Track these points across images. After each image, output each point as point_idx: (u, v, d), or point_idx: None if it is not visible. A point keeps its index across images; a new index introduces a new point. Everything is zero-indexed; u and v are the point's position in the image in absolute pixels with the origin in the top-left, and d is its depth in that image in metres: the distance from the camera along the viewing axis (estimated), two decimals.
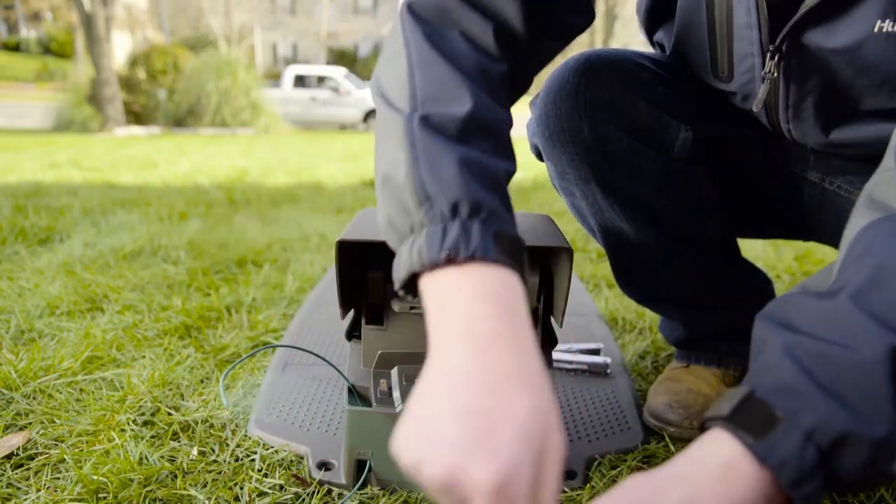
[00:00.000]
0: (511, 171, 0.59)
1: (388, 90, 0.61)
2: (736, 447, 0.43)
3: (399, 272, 0.51)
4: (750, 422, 0.43)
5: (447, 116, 0.55)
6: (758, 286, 1.04)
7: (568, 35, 0.71)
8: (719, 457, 0.44)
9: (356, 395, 0.80)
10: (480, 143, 0.55)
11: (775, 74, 0.75)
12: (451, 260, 0.47)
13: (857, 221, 0.52)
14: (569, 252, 0.74)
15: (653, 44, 0.96)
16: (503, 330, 0.45)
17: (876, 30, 0.65)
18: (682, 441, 0.91)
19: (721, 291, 0.99)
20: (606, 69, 0.81)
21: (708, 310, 1.00)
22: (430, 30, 0.62)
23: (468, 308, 0.46)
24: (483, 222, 0.49)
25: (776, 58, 0.74)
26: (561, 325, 0.81)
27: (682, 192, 0.88)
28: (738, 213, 1.00)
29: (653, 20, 0.92)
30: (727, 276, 0.99)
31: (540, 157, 0.94)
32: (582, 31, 0.72)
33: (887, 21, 0.64)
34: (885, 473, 0.42)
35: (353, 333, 0.86)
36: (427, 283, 0.49)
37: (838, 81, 0.72)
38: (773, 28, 0.72)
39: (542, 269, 0.81)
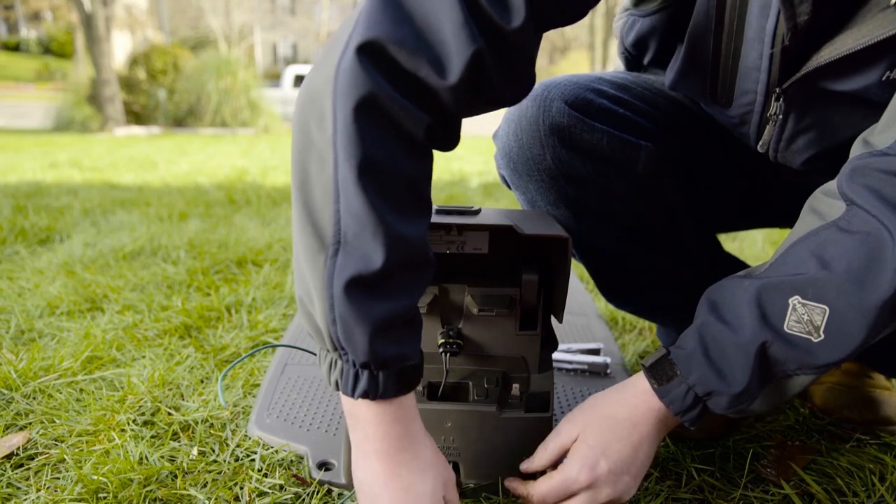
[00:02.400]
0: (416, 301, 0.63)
1: (314, 202, 0.59)
2: (647, 386, 0.69)
3: (324, 376, 0.63)
4: (659, 373, 0.69)
5: (365, 270, 0.56)
6: None
7: (500, 105, 0.69)
8: (638, 389, 0.70)
9: None
10: (393, 292, 0.59)
11: (779, 117, 0.75)
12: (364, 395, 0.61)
13: (799, 226, 0.67)
14: (566, 241, 0.74)
15: (624, 50, 0.96)
16: (405, 443, 0.63)
17: (884, 78, 0.65)
18: (682, 440, 0.92)
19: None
20: (561, 98, 0.82)
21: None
22: (359, 131, 0.56)
23: (377, 430, 0.63)
24: (388, 371, 0.60)
25: (781, 99, 0.74)
26: (561, 321, 0.81)
27: (652, 204, 0.89)
28: (717, 211, 1.00)
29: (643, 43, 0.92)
30: (709, 276, 0.99)
31: (510, 186, 0.95)
32: (513, 103, 0.70)
33: (895, 70, 0.64)
34: (744, 411, 0.66)
35: None
36: (346, 400, 0.64)
37: (835, 118, 0.73)
38: (783, 72, 0.72)
39: (541, 266, 0.81)
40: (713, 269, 1.00)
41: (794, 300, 0.62)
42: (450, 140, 0.64)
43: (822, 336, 0.61)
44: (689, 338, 0.68)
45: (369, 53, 0.56)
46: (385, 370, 0.60)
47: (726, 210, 1.02)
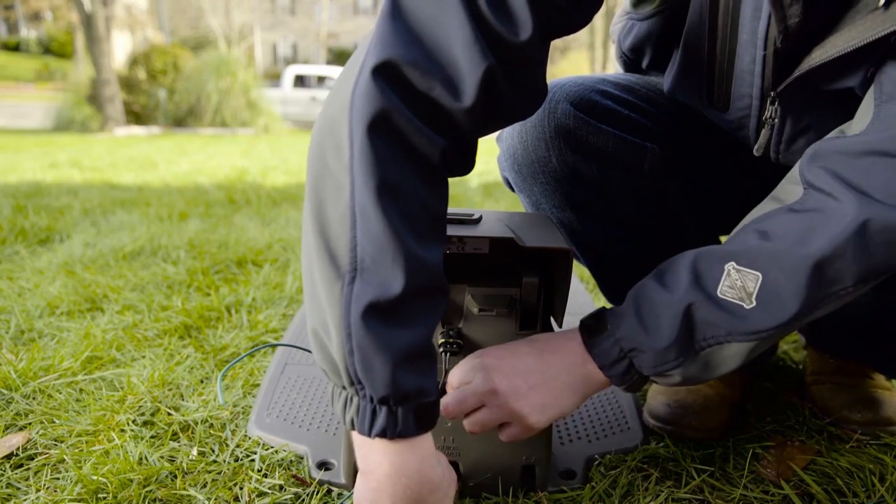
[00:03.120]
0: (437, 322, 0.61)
1: (329, 230, 0.57)
2: (578, 339, 0.70)
3: (337, 415, 0.60)
4: (591, 328, 0.70)
5: (383, 296, 0.55)
6: None
7: (514, 120, 0.70)
8: (571, 341, 0.71)
9: None
10: (411, 320, 0.57)
11: (776, 120, 0.75)
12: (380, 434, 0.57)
13: (755, 212, 0.68)
14: (568, 253, 0.74)
15: (623, 54, 0.96)
16: (425, 494, 0.60)
17: (868, 75, 0.65)
18: (682, 441, 0.91)
19: None
20: (566, 99, 0.82)
21: None
22: (374, 152, 0.55)
23: (392, 478, 0.59)
24: (408, 407, 0.57)
25: (776, 103, 0.74)
26: (561, 326, 0.81)
27: (656, 205, 0.89)
28: (720, 213, 1.00)
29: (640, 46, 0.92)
30: None
31: (513, 189, 0.95)
32: (525, 118, 0.71)
33: (878, 69, 0.64)
34: (667, 373, 0.66)
35: None
36: (359, 440, 0.61)
37: (832, 117, 0.72)
38: (776, 75, 0.72)
39: (542, 269, 0.81)
40: None
41: (730, 266, 0.63)
42: (465, 165, 0.64)
43: (755, 303, 0.61)
44: (626, 298, 0.69)
45: (384, 73, 0.56)
46: (404, 405, 0.57)
47: (729, 212, 1.02)
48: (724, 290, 0.63)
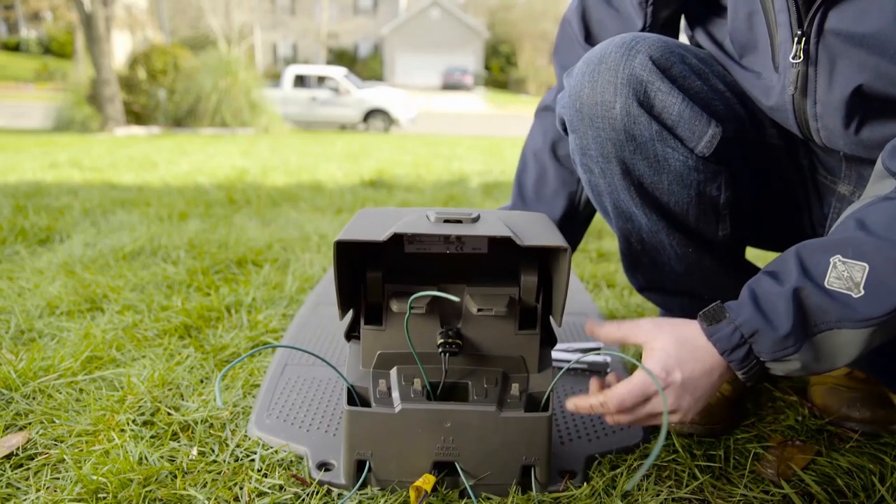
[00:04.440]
0: None
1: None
2: (698, 326, 0.75)
3: None
4: (710, 316, 0.74)
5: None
6: None
7: None
8: (693, 330, 0.75)
9: (356, 395, 0.80)
10: None
11: (800, 58, 0.76)
12: None
13: (849, 208, 0.72)
14: (566, 251, 0.74)
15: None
16: None
17: None
18: (682, 436, 0.91)
19: (724, 290, 0.98)
20: (647, 51, 0.82)
21: (708, 304, 1.00)
22: None
23: None
24: None
25: (803, 42, 0.75)
26: (560, 324, 0.81)
27: (699, 191, 0.88)
28: (754, 222, 0.99)
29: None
30: (731, 277, 0.99)
31: (565, 130, 0.93)
32: None
33: None
34: (786, 358, 0.70)
35: (351, 334, 0.86)
36: None
37: (867, 72, 0.72)
38: (803, 14, 0.74)
39: (541, 268, 0.81)
40: (738, 271, 1.00)
41: (836, 258, 0.67)
42: None
43: (863, 292, 0.65)
44: (742, 292, 0.74)
45: None
46: None
47: (768, 224, 1.01)
48: (832, 281, 0.67)
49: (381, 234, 0.73)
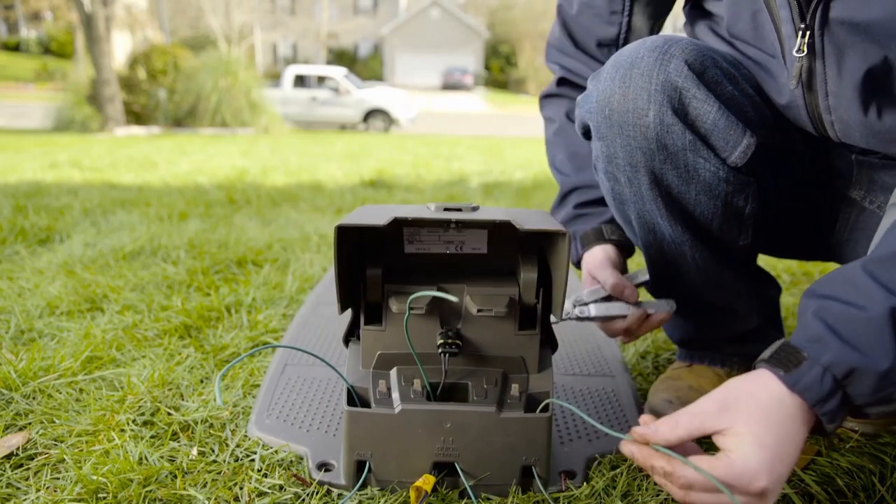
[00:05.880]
0: None
1: None
2: (773, 378, 0.60)
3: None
4: (783, 360, 0.60)
5: None
6: (771, 296, 1.03)
7: None
8: (768, 388, 0.60)
9: (355, 395, 0.80)
10: None
11: (803, 52, 0.73)
12: None
13: (886, 220, 0.66)
14: (566, 236, 0.74)
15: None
16: None
17: None
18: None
19: (740, 298, 0.98)
20: (682, 56, 0.78)
21: (724, 313, 0.99)
22: None
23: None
24: None
25: (807, 35, 0.72)
26: (559, 318, 0.81)
27: (726, 202, 0.85)
28: (771, 229, 0.97)
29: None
30: (746, 284, 0.98)
31: (587, 135, 0.90)
32: None
33: None
34: (892, 399, 0.58)
35: (349, 339, 0.86)
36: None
37: (876, 61, 0.70)
38: (805, 7, 0.72)
39: (541, 266, 0.81)
40: (752, 279, 0.99)
41: None
42: None
43: None
44: (806, 326, 0.61)
45: None
46: None
47: (783, 231, 1.00)
48: None
49: (382, 221, 0.73)
